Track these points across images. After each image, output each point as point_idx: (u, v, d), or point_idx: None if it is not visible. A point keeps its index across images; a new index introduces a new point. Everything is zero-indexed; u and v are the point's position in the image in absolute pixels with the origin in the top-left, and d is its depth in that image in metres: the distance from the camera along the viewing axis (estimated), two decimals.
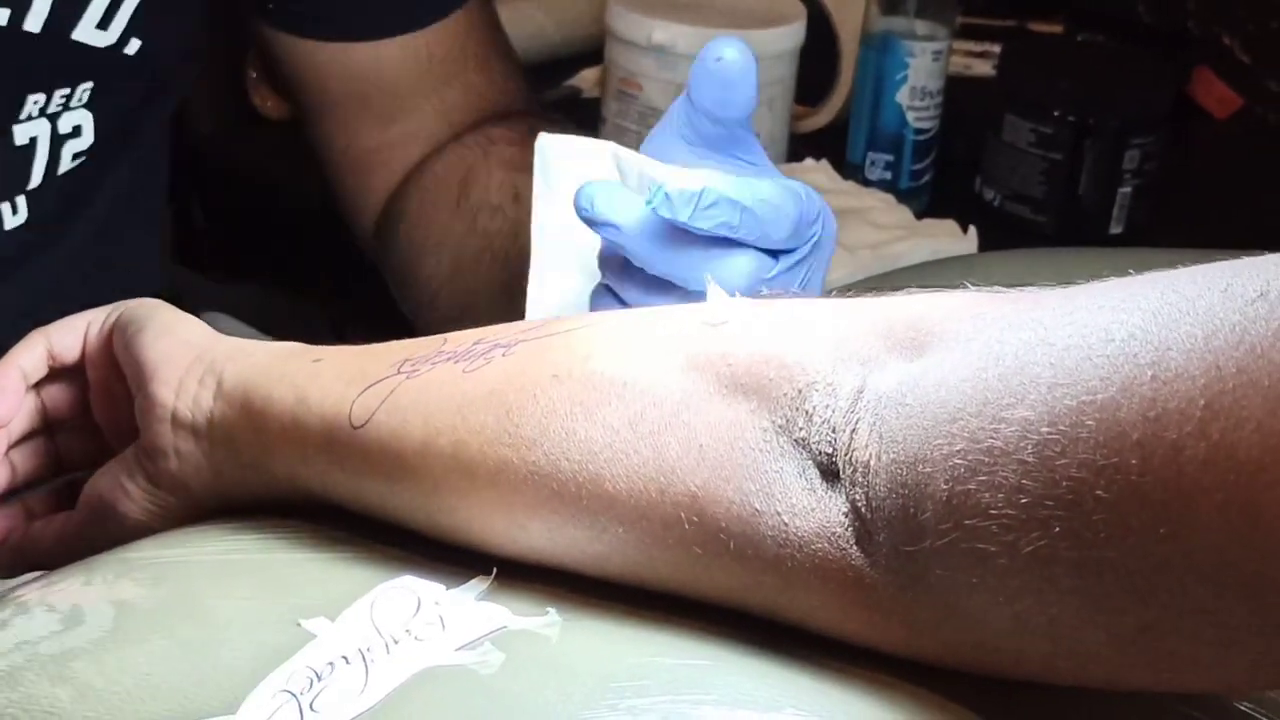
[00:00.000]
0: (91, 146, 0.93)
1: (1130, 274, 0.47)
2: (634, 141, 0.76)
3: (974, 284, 0.52)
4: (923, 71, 1.39)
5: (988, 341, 0.48)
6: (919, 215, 1.38)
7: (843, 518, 0.49)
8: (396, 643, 0.53)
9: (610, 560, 0.54)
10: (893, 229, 1.34)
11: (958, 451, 0.46)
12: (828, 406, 0.50)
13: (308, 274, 1.46)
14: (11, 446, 0.75)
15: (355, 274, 1.10)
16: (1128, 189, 1.37)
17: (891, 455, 0.48)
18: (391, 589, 0.55)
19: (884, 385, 0.50)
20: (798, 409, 0.51)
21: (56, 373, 0.76)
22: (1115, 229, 1.38)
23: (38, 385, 0.76)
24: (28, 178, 0.92)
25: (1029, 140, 1.37)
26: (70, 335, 0.75)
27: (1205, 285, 0.44)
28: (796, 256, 0.69)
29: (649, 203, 0.66)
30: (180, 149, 1.06)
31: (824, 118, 1.51)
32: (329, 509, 0.62)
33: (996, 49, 1.57)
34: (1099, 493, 0.43)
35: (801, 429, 0.51)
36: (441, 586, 0.55)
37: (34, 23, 0.87)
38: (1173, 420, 0.42)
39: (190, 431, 0.66)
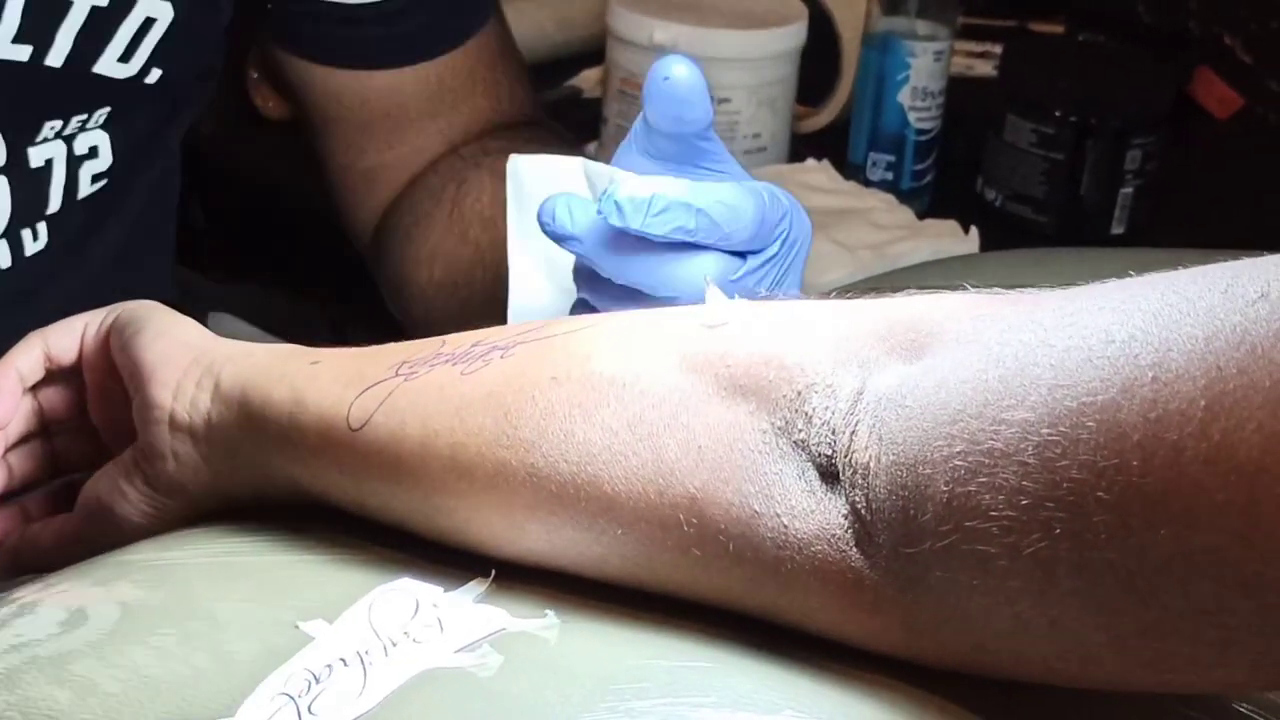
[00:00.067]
0: (110, 168, 0.93)
1: (1131, 274, 0.47)
2: None
3: (975, 284, 0.52)
4: (924, 72, 1.39)
5: (988, 343, 0.48)
6: (920, 215, 1.38)
7: (842, 519, 0.49)
8: (395, 645, 0.53)
9: (609, 562, 0.54)
10: (894, 229, 1.34)
11: (958, 453, 0.46)
12: (827, 408, 0.50)
13: (308, 274, 1.46)
14: (9, 448, 0.75)
15: (356, 274, 1.10)
16: (1129, 189, 1.37)
17: (891, 457, 0.48)
18: (390, 591, 0.55)
19: (884, 387, 0.49)
20: (797, 410, 0.51)
21: (54, 375, 0.75)
22: (1116, 229, 1.38)
23: (35, 387, 0.75)
24: (46, 201, 0.91)
25: (1030, 140, 1.37)
26: (67, 337, 0.75)
27: (1206, 286, 0.44)
28: (764, 256, 0.69)
29: (599, 212, 0.66)
30: (181, 149, 1.06)
31: (825, 118, 1.51)
32: (327, 511, 0.62)
33: (998, 49, 1.57)
34: (1100, 494, 0.43)
35: (801, 430, 0.50)
36: (440, 589, 0.55)
37: (55, 58, 0.86)
38: (1174, 421, 0.42)
39: (188, 433, 0.66)
